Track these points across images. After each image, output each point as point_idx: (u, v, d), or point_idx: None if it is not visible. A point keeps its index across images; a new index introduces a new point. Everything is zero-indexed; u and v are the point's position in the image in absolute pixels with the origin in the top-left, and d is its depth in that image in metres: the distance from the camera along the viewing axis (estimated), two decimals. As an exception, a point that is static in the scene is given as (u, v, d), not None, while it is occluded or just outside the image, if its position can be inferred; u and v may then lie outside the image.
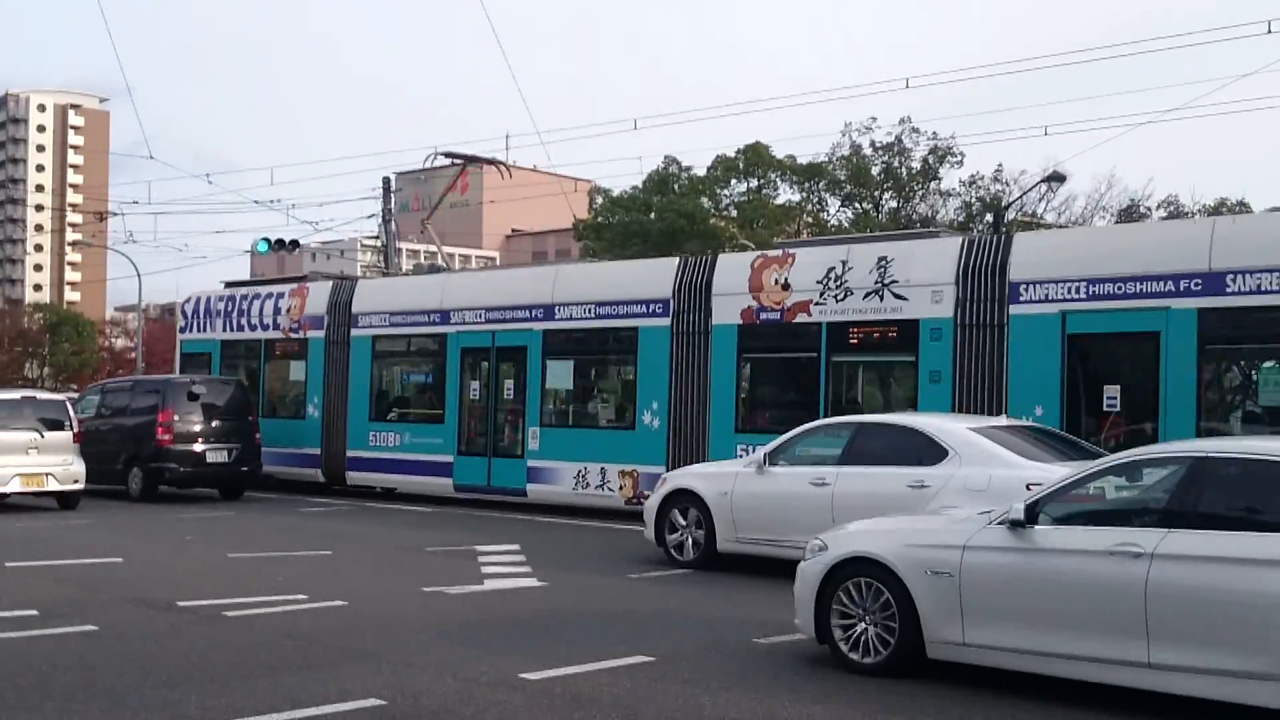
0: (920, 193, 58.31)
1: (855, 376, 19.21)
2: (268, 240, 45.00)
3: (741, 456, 16.56)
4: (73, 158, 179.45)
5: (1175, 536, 7.69)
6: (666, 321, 20.24)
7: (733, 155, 57.90)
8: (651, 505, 15.14)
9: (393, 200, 46.72)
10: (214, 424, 23.22)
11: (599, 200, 59.26)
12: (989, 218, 55.40)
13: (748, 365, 19.78)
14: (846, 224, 58.62)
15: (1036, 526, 8.36)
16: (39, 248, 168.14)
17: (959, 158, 57.05)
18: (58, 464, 20.54)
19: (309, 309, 25.56)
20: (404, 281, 26.53)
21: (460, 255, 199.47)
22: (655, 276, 20.89)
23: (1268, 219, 16.99)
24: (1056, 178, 51.72)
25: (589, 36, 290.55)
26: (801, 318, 18.71)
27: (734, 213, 57.82)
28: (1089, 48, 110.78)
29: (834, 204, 59.60)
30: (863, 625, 8.91)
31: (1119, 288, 15.79)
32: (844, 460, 13.32)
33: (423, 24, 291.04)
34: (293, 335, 25.78)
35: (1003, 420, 14.23)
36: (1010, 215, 54.51)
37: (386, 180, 45.99)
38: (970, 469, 12.24)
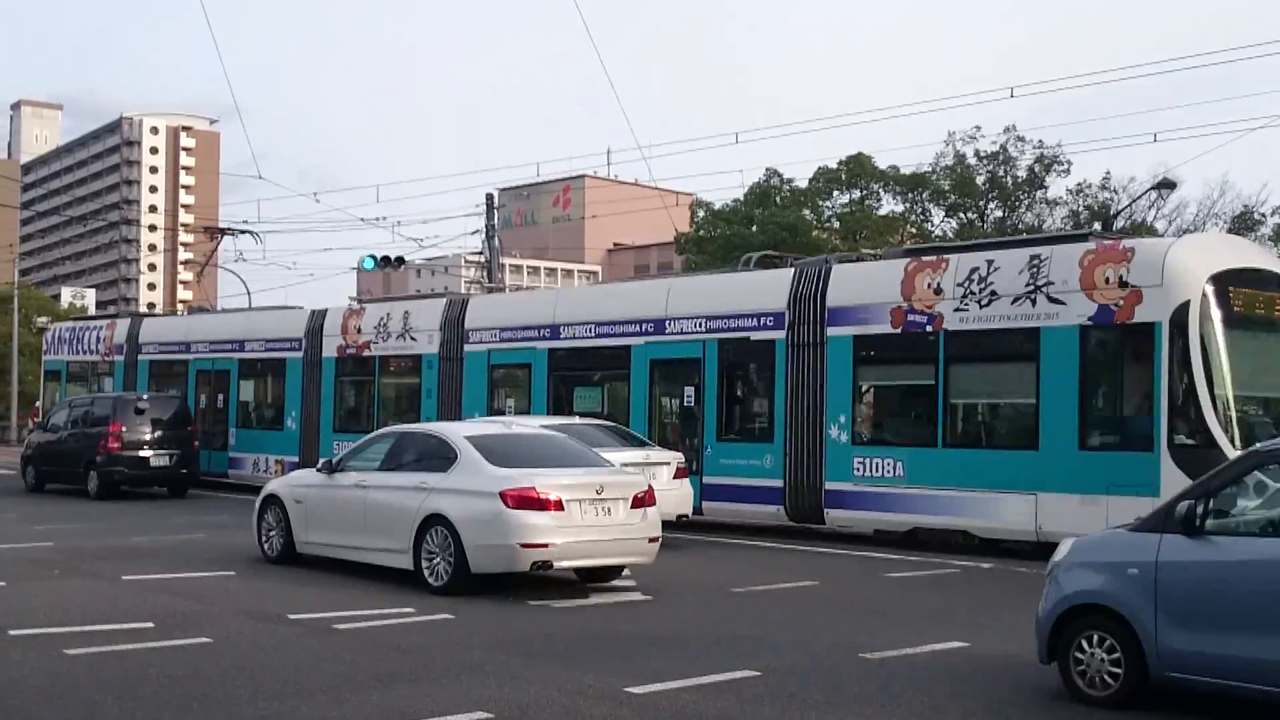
0: (1026, 202, 57.53)
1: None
2: (373, 257, 45.55)
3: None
4: (184, 178, 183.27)
5: (382, 475, 14.50)
6: (299, 355, 28.44)
7: (835, 166, 57.54)
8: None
9: (496, 216, 47.03)
10: (158, 433, 27.10)
11: (700, 213, 59.19)
12: (1097, 226, 54.57)
13: (342, 380, 27.70)
14: (951, 234, 58.03)
15: (338, 474, 15.04)
16: (152, 267, 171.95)
17: (1065, 166, 56.15)
18: None
19: (115, 339, 33.59)
20: (169, 321, 36.12)
21: (563, 270, 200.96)
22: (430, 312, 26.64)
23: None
24: (1166, 184, 50.70)
25: (690, 51, 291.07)
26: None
27: (836, 224, 57.47)
28: (1199, 52, 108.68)
29: (938, 214, 59.03)
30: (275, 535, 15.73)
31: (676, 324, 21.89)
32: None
33: (526, 41, 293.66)
34: (106, 359, 33.76)
35: (532, 422, 17.45)
36: (1119, 223, 53.63)
37: (489, 196, 46.28)
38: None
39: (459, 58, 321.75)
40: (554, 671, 9.22)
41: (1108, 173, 60.72)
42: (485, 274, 49.12)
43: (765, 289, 21.02)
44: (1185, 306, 16.40)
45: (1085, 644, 8.60)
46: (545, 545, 12.82)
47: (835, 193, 58.18)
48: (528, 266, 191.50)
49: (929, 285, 18.75)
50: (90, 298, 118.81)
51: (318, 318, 28.57)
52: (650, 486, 14.00)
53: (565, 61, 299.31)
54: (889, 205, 58.50)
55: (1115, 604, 8.44)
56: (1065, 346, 17.34)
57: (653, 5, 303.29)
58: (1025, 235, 23.90)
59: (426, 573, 13.41)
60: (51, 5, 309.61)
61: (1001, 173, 57.06)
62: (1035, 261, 17.87)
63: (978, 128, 59.11)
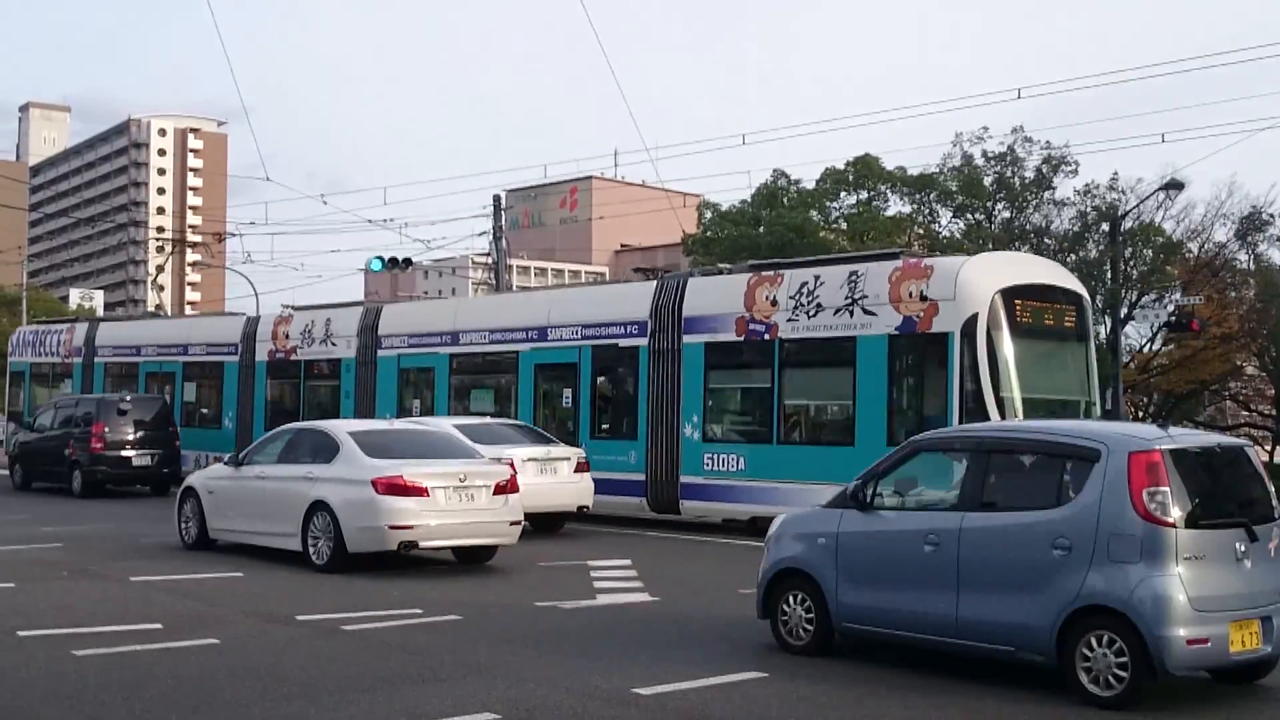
0: (1034, 203, 57.41)
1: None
2: (381, 259, 45.61)
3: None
4: (192, 180, 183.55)
5: (278, 467, 16.03)
6: (235, 359, 30.57)
7: (842, 168, 57.43)
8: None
9: (503, 218, 47.03)
10: (139, 434, 27.71)
11: (708, 214, 59.13)
12: (1105, 227, 54.47)
13: (273, 382, 29.92)
14: (959, 235, 57.95)
15: (243, 467, 16.64)
16: (160, 268, 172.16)
17: (1073, 166, 55.96)
18: None
19: (74, 342, 35.17)
20: (122, 326, 37.27)
21: (570, 271, 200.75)
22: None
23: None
24: (1174, 185, 50.59)
25: (698, 52, 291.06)
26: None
27: (844, 225, 57.39)
28: (1207, 53, 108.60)
29: (945, 215, 58.95)
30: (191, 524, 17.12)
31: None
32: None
33: (533, 42, 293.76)
34: (65, 361, 35.35)
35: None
36: (1127, 224, 53.54)
37: (497, 198, 46.29)
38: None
39: (466, 59, 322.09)
40: (561, 672, 9.22)
41: (1116, 173, 60.50)
42: (492, 275, 49.16)
43: (631, 300, 23.20)
44: (974, 318, 18.37)
45: (789, 602, 10.41)
46: (411, 527, 14.55)
47: (842, 194, 58.04)
48: (535, 268, 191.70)
49: (767, 298, 20.76)
50: (98, 299, 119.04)
51: (252, 324, 31.30)
52: (513, 476, 15.73)
53: (572, 63, 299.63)
54: (896, 206, 58.36)
55: (808, 568, 10.28)
56: (876, 354, 19.34)
57: (660, 6, 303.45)
58: (846, 253, 26.55)
59: (311, 553, 15.03)
60: (60, 7, 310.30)
61: (1009, 173, 56.89)
62: (853, 277, 19.86)
63: (985, 128, 58.94)
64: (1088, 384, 20.29)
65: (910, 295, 19.15)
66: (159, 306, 48.62)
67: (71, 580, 14.09)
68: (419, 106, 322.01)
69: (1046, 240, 57.06)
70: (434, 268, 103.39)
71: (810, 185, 57.96)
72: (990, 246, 57.23)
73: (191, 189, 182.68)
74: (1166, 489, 8.63)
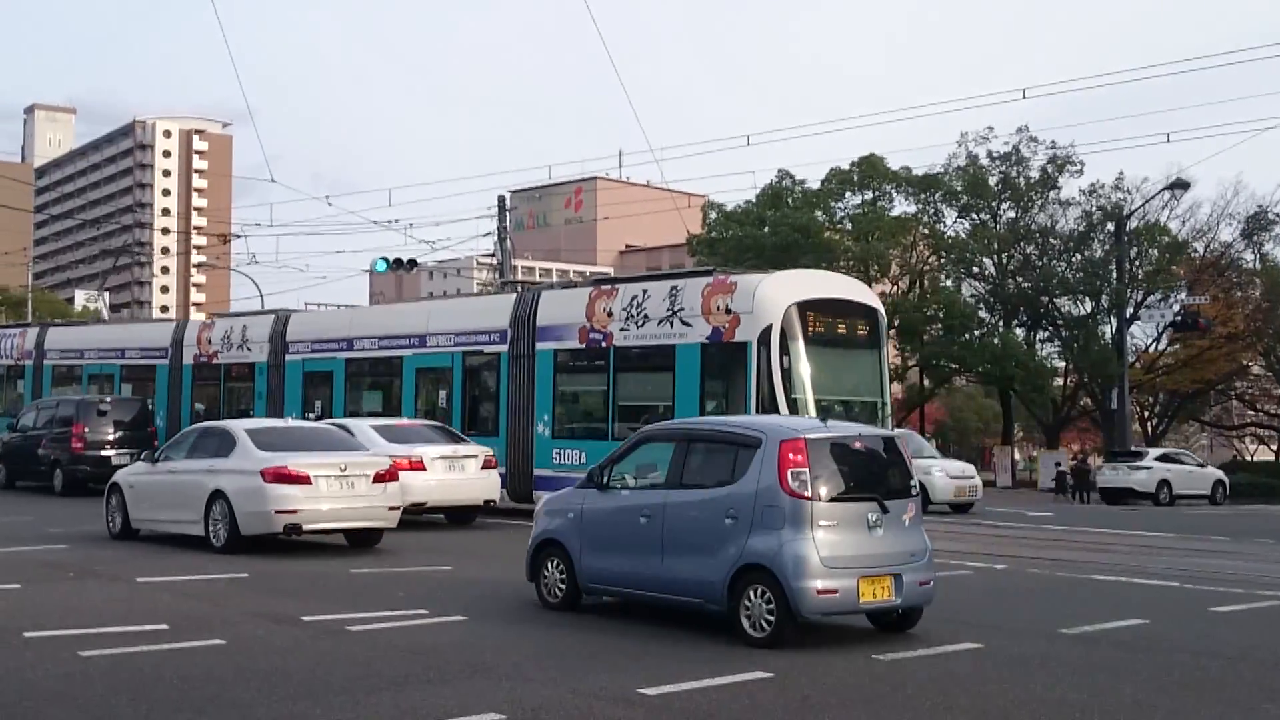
0: (1039, 203, 57.36)
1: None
2: (386, 260, 45.65)
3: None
4: (197, 181, 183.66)
5: (187, 462, 17.91)
6: (165, 362, 33.19)
7: (847, 168, 57.43)
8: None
9: (508, 218, 47.00)
10: (119, 434, 28.77)
11: (713, 215, 59.12)
12: (1110, 227, 54.38)
13: (197, 384, 32.47)
14: (964, 235, 57.90)
15: (158, 463, 18.37)
16: (165, 270, 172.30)
17: (1078, 166, 56.01)
18: None
19: (25, 345, 37.44)
20: (69, 330, 39.23)
21: (575, 271, 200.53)
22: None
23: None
24: (1180, 185, 50.61)
25: (702, 53, 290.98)
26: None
27: (849, 226, 57.38)
28: (1213, 53, 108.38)
29: (950, 215, 58.91)
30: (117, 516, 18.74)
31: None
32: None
33: (537, 43, 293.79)
34: (18, 363, 37.47)
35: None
36: (1132, 224, 53.45)
37: (502, 199, 46.27)
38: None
39: (471, 60, 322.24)
40: (566, 673, 9.24)
41: (1121, 173, 60.63)
42: (497, 276, 49.16)
43: (495, 311, 26.13)
44: (769, 329, 21.02)
45: (547, 567, 12.51)
46: (295, 511, 16.47)
47: (848, 194, 58.06)
48: (540, 268, 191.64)
49: (604, 309, 23.56)
50: (104, 300, 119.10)
51: (180, 329, 33.99)
52: (392, 466, 17.78)
53: (577, 64, 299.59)
54: (901, 206, 58.44)
55: (561, 538, 12.37)
56: (691, 360, 22.03)
57: (664, 7, 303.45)
58: (669, 270, 29.36)
59: (212, 536, 16.91)
60: (65, 9, 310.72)
61: (1014, 173, 56.90)
62: (673, 292, 22.54)
63: (990, 128, 59.07)
64: (878, 386, 22.92)
65: (718, 308, 21.86)
66: (111, 309, 53.22)
67: (78, 581, 14.11)
68: (424, 107, 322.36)
69: (1052, 240, 57.10)
70: (439, 268, 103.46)
71: (815, 186, 57.98)
72: (995, 246, 57.39)
73: (196, 190, 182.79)
74: (806, 470, 10.65)
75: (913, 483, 11.48)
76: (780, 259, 53.67)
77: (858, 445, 11.46)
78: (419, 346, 27.12)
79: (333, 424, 20.89)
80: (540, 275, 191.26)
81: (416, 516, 20.53)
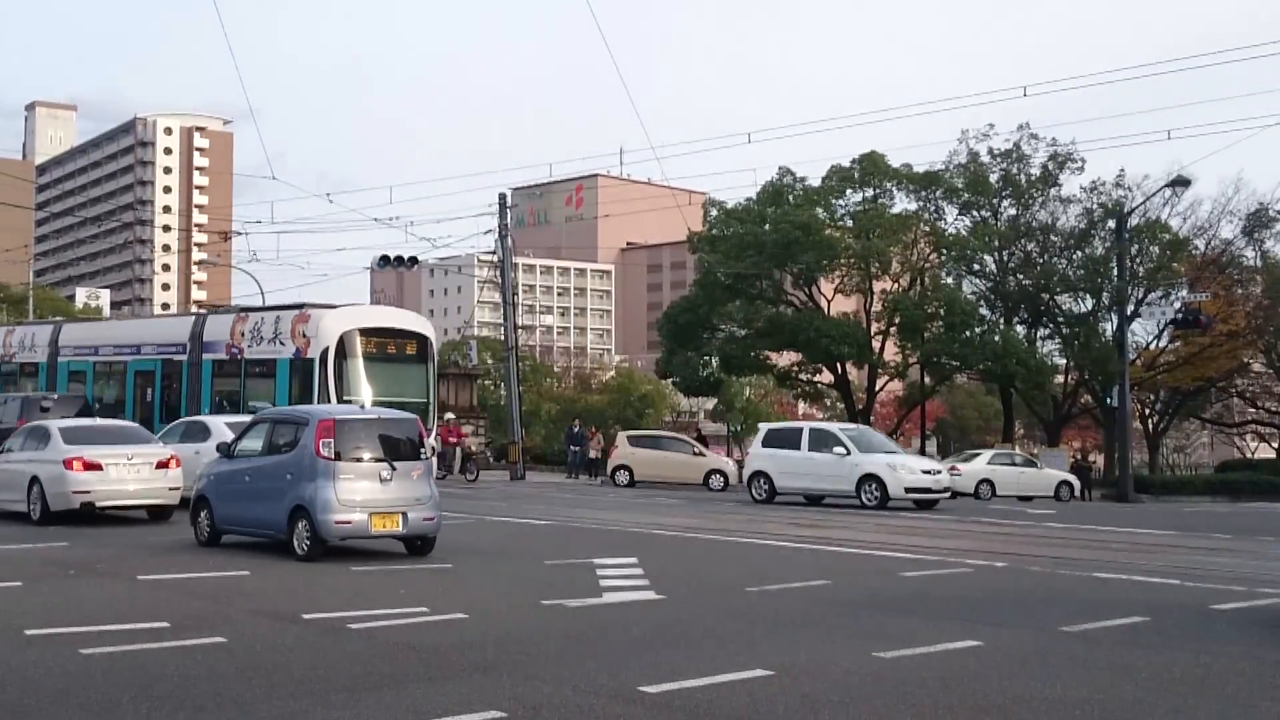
0: (1040, 200, 57.32)
1: None
2: (387, 257, 45.67)
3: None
4: (198, 179, 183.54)
5: (18, 454, 21.77)
6: None
7: (848, 165, 57.34)
8: None
9: (509, 216, 46.95)
10: None
11: (713, 213, 59.04)
12: (1111, 224, 54.34)
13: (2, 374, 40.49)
14: (964, 232, 57.83)
15: (4, 454, 22.26)
16: (166, 267, 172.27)
17: (1079, 163, 55.95)
18: None
19: None
20: None
21: (576, 269, 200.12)
22: None
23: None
24: (1181, 182, 50.54)
25: (702, 51, 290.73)
26: None
27: (850, 223, 57.30)
28: (1214, 50, 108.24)
29: (951, 212, 58.84)
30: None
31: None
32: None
33: (538, 41, 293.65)
34: None
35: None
36: (1133, 221, 53.41)
37: (503, 196, 46.27)
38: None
39: (472, 58, 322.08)
40: (567, 670, 9.24)
41: (1122, 170, 60.72)
42: (498, 273, 49.10)
43: (181, 328, 36.21)
44: (327, 349, 30.80)
45: (199, 516, 17.71)
46: (89, 492, 20.48)
47: (848, 191, 57.94)
48: (540, 266, 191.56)
49: (240, 331, 33.63)
50: (105, 298, 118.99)
51: None
52: (173, 455, 21.50)
53: (578, 61, 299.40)
54: (902, 203, 58.33)
55: (207, 494, 17.60)
56: (285, 370, 31.80)
57: (666, 5, 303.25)
58: (281, 304, 36.41)
59: (31, 512, 20.92)
60: (66, 7, 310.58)
61: (1015, 170, 56.86)
62: (277, 320, 32.51)
63: (991, 125, 59.27)
64: (425, 391, 32.57)
65: (300, 334, 31.69)
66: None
67: (79, 579, 14.13)
68: (425, 105, 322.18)
69: (1053, 237, 57.08)
70: (439, 266, 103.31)
71: (816, 183, 57.84)
72: (996, 243, 57.35)
73: (198, 188, 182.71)
74: (333, 440, 15.90)
75: (423, 451, 16.71)
76: (781, 256, 53.69)
77: (376, 425, 16.64)
78: (136, 354, 36.72)
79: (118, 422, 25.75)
80: (541, 272, 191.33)
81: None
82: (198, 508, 17.62)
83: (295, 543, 15.81)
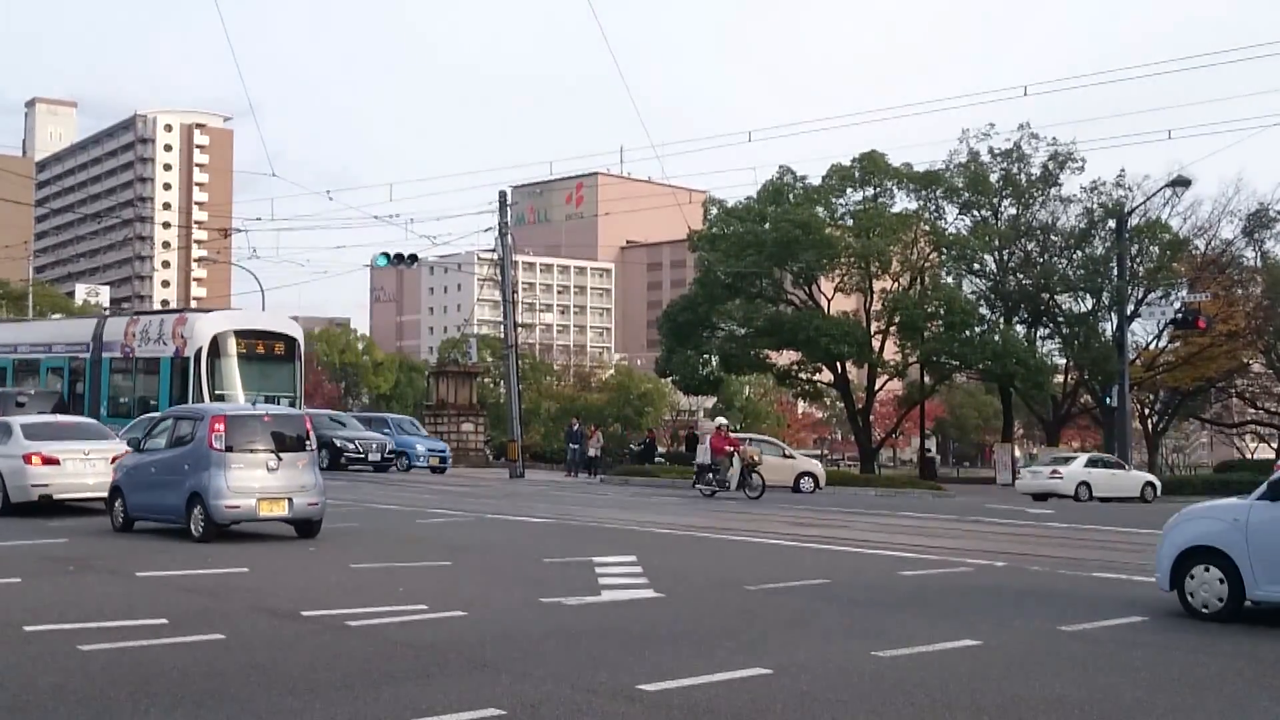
0: (1040, 199, 57.33)
1: None
2: (387, 255, 45.67)
3: None
4: (198, 176, 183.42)
5: None
6: None
7: (848, 164, 57.35)
8: None
9: (509, 214, 46.95)
10: None
11: (714, 211, 59.04)
12: (1111, 224, 54.35)
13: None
14: (964, 231, 57.84)
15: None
16: (166, 264, 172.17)
17: (1080, 163, 56.00)
18: None
19: None
20: None
21: (576, 267, 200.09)
22: None
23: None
24: (1181, 182, 50.53)
25: (703, 50, 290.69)
26: None
27: (850, 222, 57.31)
28: (1214, 50, 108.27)
29: (951, 212, 58.86)
30: None
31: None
32: None
33: (539, 38, 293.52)
34: None
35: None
36: (1134, 221, 53.41)
37: (503, 194, 46.23)
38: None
39: (472, 55, 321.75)
40: (566, 668, 9.23)
41: (1122, 170, 60.83)
42: (498, 271, 49.09)
43: (84, 330, 40.62)
44: (200, 349, 34.89)
45: (114, 505, 19.26)
46: (46, 485, 21.46)
47: (849, 190, 57.99)
48: (540, 264, 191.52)
49: (132, 332, 37.74)
50: (104, 295, 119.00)
51: None
52: (126, 450, 21.46)
53: (578, 59, 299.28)
54: (902, 203, 58.39)
55: (121, 485, 19.18)
56: (167, 368, 35.72)
57: (666, 3, 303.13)
58: (166, 309, 38.16)
59: None
60: (66, 3, 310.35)
61: (1015, 170, 56.88)
62: (162, 323, 36.71)
63: (992, 125, 59.24)
64: (292, 387, 36.46)
65: (179, 335, 35.61)
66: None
67: (78, 575, 14.12)
68: (425, 103, 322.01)
69: (1053, 237, 57.10)
70: (440, 264, 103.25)
71: (816, 182, 57.85)
72: (996, 243, 57.36)
73: (198, 185, 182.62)
74: (224, 433, 17.63)
75: (308, 443, 18.45)
76: (781, 255, 53.67)
77: (265, 419, 18.58)
78: (48, 353, 40.75)
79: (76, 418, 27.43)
80: (541, 270, 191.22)
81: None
82: (113, 497, 19.38)
83: (192, 526, 17.58)
